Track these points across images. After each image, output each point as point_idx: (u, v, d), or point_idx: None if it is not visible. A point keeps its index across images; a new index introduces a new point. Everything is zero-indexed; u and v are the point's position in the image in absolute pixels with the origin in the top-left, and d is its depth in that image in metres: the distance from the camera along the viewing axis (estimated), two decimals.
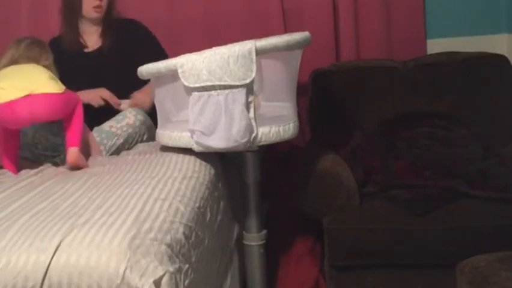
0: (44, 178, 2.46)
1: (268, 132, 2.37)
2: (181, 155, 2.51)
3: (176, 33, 3.79)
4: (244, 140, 2.31)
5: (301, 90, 3.36)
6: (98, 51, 3.33)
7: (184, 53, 2.38)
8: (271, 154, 3.16)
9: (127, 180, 2.25)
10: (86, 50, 3.34)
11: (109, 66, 3.26)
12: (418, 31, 3.76)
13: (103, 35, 3.33)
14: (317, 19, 3.71)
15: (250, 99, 2.31)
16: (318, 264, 2.97)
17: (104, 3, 3.27)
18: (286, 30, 3.66)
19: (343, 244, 2.68)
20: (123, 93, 3.15)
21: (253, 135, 2.33)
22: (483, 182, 2.76)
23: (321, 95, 3.46)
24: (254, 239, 2.61)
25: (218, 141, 2.33)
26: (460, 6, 3.73)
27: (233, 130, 2.30)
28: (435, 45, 3.72)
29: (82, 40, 3.34)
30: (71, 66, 3.13)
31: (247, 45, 2.28)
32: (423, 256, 2.61)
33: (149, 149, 2.78)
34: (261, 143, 2.38)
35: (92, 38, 3.35)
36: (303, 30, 2.69)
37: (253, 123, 2.33)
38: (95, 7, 3.25)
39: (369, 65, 3.52)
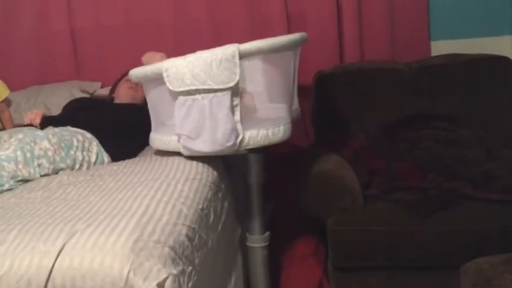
0: (46, 182, 2.46)
1: (256, 136, 2.35)
2: (182, 157, 2.50)
3: (181, 37, 3.80)
4: (229, 144, 2.31)
5: (305, 92, 3.37)
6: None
7: None
8: (275, 155, 3.17)
9: (129, 182, 2.25)
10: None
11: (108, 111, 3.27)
12: (422, 33, 3.76)
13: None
14: (321, 21, 3.72)
15: (235, 102, 2.31)
16: (321, 266, 2.97)
17: (140, 88, 3.32)
18: (290, 32, 3.66)
19: (347, 246, 2.68)
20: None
21: (240, 138, 2.33)
22: (486, 183, 2.76)
23: (324, 96, 3.46)
24: (257, 241, 2.61)
25: (203, 145, 2.34)
26: (464, 8, 3.74)
27: (218, 134, 2.30)
28: (439, 47, 3.73)
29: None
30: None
31: (230, 49, 2.28)
32: (427, 258, 2.61)
33: (150, 152, 2.78)
34: (249, 147, 2.37)
35: None
36: (307, 32, 2.69)
37: (239, 127, 2.32)
38: (129, 88, 3.40)
39: (373, 67, 3.52)
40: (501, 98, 3.34)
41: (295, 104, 2.76)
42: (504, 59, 3.43)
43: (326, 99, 3.45)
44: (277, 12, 3.72)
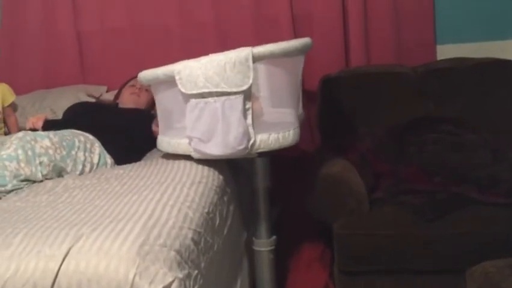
0: (52, 186, 2.47)
1: (267, 139, 2.35)
2: (188, 161, 2.50)
3: (186, 40, 3.80)
4: (241, 147, 2.30)
5: (311, 96, 3.38)
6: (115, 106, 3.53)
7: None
8: (282, 159, 3.16)
9: (135, 186, 2.26)
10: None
11: (113, 114, 3.32)
12: (428, 37, 3.75)
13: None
14: (327, 24, 3.72)
15: (247, 106, 2.30)
16: (327, 270, 2.96)
17: (143, 94, 3.43)
18: (296, 35, 3.67)
19: (353, 250, 2.67)
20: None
21: (251, 142, 2.32)
22: (492, 187, 2.75)
23: (330, 100, 3.46)
24: (263, 245, 2.60)
25: (215, 148, 2.32)
26: (470, 12, 3.73)
27: (230, 137, 2.29)
28: (445, 51, 3.72)
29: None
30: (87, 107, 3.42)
31: (244, 52, 2.26)
32: (433, 262, 2.60)
33: (156, 156, 2.78)
34: (260, 150, 2.36)
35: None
36: (312, 35, 2.69)
37: (251, 130, 2.31)
38: (132, 93, 3.45)
39: (379, 71, 3.51)
40: (506, 102, 3.33)
41: (300, 109, 2.76)
42: (509, 62, 3.42)
43: (332, 103, 3.45)
44: (283, 15, 3.71)
